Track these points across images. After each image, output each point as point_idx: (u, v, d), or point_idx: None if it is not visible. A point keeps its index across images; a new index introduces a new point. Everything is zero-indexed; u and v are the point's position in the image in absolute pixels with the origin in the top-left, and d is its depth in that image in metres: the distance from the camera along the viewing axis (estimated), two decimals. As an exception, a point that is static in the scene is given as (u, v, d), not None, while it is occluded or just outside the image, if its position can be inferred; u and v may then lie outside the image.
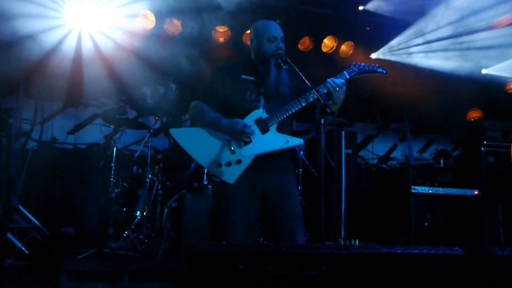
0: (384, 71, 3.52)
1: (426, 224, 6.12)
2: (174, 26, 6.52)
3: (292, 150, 3.84)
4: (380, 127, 9.25)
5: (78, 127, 7.45)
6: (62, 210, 6.54)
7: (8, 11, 5.66)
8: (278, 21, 3.62)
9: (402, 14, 6.78)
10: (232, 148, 3.27)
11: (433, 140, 9.41)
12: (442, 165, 7.08)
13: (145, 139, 6.06)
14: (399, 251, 2.23)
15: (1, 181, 5.62)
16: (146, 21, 6.39)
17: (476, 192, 6.31)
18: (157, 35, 6.52)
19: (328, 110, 2.95)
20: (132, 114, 7.40)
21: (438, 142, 9.28)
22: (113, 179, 5.76)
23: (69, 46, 6.33)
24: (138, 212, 5.67)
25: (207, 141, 3.33)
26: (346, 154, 6.70)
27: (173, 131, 3.48)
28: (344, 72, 3.43)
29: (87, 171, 6.97)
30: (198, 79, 6.76)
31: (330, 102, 3.17)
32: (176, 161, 6.16)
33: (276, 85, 3.37)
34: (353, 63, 3.48)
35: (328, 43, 7.17)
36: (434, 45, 7.33)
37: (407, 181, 6.29)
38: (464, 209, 6.30)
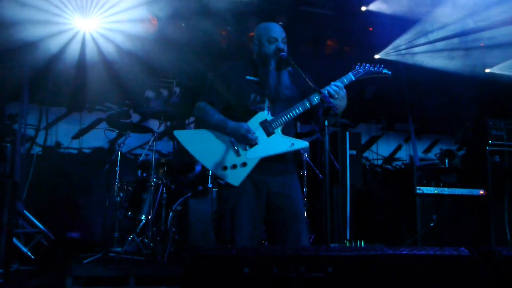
0: (389, 72, 3.48)
1: (432, 224, 6.09)
2: (178, 29, 6.53)
3: (296, 152, 3.83)
4: (384, 128, 9.24)
5: (82, 132, 7.47)
6: (67, 214, 6.56)
7: (12, 17, 5.69)
8: (280, 23, 3.62)
9: (405, 14, 6.77)
10: (238, 150, 3.27)
11: (437, 140, 9.40)
12: (447, 165, 7.05)
13: (150, 143, 6.07)
14: (404, 252, 2.22)
15: (6, 186, 5.64)
16: (149, 25, 6.41)
17: (481, 192, 6.29)
18: (161, 39, 6.54)
19: (332, 112, 2.94)
20: (136, 118, 7.42)
21: (442, 142, 9.26)
22: (117, 183, 5.77)
23: (73, 51, 6.35)
24: (143, 216, 5.67)
25: (212, 143, 3.32)
26: (351, 155, 6.68)
27: (178, 133, 3.47)
28: (350, 73, 3.39)
29: (92, 175, 6.99)
30: (201, 82, 6.77)
31: (334, 104, 3.14)
32: (181, 164, 6.16)
33: (275, 86, 3.34)
34: (358, 64, 3.43)
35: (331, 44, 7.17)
36: (438, 45, 7.32)
37: (412, 181, 6.26)
38: (470, 209, 6.27)
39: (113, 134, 6.51)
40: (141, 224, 5.62)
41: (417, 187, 6.20)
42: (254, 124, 3.31)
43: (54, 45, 6.17)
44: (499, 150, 6.37)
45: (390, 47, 7.40)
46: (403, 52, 7.49)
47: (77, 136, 7.44)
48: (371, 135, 9.16)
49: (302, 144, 3.35)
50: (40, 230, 6.01)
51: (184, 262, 5.10)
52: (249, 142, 3.26)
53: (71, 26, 6.21)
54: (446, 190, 6.26)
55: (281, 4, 6.63)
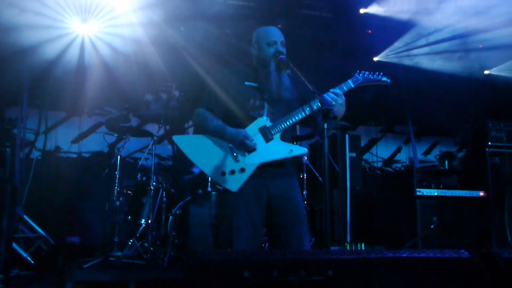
0: (388, 80, 3.48)
1: (432, 226, 6.09)
2: (176, 33, 6.53)
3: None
4: (384, 130, 9.24)
5: (82, 136, 7.47)
6: (67, 219, 6.55)
7: (11, 22, 5.69)
8: (279, 26, 3.62)
9: (404, 16, 6.77)
10: (236, 156, 3.27)
11: (437, 142, 9.40)
12: (447, 167, 7.06)
13: (149, 147, 6.07)
14: (405, 255, 2.22)
15: (6, 191, 5.63)
16: (148, 29, 6.41)
17: (481, 194, 6.29)
18: (160, 43, 6.54)
19: (331, 115, 2.94)
20: (135, 121, 7.42)
21: (442, 144, 9.27)
22: (117, 188, 5.77)
23: (72, 55, 6.35)
24: (143, 220, 5.67)
25: (210, 149, 3.32)
26: (350, 158, 6.69)
27: (177, 138, 3.48)
28: (349, 80, 3.40)
29: (91, 179, 6.98)
30: (201, 86, 6.77)
31: (333, 107, 3.14)
32: (180, 168, 6.16)
33: (277, 88, 3.35)
34: (358, 71, 3.44)
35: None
36: (437, 47, 7.33)
37: (412, 183, 6.27)
38: (470, 210, 6.27)
39: (112, 138, 6.50)
40: (141, 228, 5.62)
41: (417, 189, 6.20)
42: (253, 130, 3.31)
43: (53, 49, 6.17)
44: (499, 152, 6.37)
45: (389, 49, 7.41)
46: (402, 54, 7.50)
47: (76, 140, 7.43)
48: (371, 138, 9.16)
49: (300, 150, 3.37)
50: (40, 235, 5.99)
51: (184, 266, 5.10)
52: (247, 148, 3.26)
53: (70, 31, 6.21)
54: (446, 192, 6.26)
55: (280, 8, 6.63)
